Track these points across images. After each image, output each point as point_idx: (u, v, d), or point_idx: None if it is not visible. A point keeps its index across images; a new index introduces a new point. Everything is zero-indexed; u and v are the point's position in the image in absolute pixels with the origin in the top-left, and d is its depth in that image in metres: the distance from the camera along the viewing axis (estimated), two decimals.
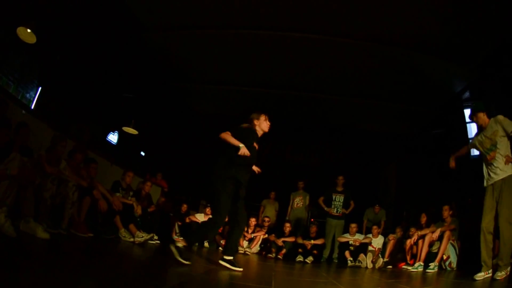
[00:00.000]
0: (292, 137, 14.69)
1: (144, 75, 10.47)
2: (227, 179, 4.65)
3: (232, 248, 4.91)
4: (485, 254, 4.86)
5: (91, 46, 8.70)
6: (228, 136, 4.69)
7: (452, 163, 5.75)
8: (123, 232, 6.44)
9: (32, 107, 8.15)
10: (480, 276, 4.78)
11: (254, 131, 5.03)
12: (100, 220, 6.20)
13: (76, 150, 6.39)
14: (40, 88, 8.32)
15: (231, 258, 4.70)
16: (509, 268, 4.66)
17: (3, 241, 3.52)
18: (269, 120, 5.17)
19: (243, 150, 4.48)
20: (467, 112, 9.78)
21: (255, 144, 4.93)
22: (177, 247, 4.32)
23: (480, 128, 5.31)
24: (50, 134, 6.28)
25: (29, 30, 6.81)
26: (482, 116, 5.21)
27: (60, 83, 8.66)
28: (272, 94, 11.26)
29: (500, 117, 5.03)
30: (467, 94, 9.66)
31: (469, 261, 6.68)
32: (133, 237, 6.44)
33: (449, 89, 9.71)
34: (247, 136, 4.84)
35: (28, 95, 8.14)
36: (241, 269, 4.54)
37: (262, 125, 5.11)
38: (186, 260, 4.21)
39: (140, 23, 8.52)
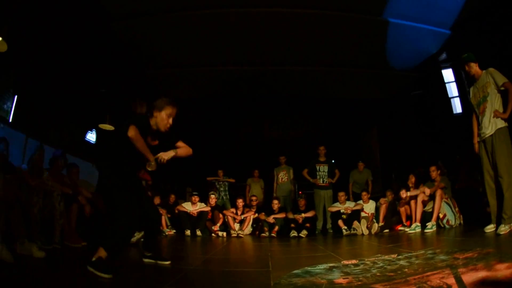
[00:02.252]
0: (269, 113, 14.53)
1: (115, 67, 10.14)
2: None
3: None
4: (494, 206, 4.85)
5: (62, 44, 8.38)
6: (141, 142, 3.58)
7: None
8: None
9: (11, 118, 7.84)
10: (491, 228, 4.79)
11: (147, 120, 3.88)
12: (91, 226, 5.97)
13: (56, 157, 6.15)
14: (16, 96, 7.99)
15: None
16: None
17: (2, 267, 3.43)
18: (173, 119, 3.98)
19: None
20: (445, 72, 9.84)
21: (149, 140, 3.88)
22: (93, 264, 3.15)
23: (473, 79, 5.23)
24: (29, 144, 6.04)
25: (0, 38, 6.42)
26: (475, 66, 5.17)
27: (35, 88, 8.34)
28: (244, 71, 11.08)
29: (491, 69, 5.01)
30: (444, 56, 9.67)
31: (468, 218, 6.70)
32: None
33: (425, 51, 9.66)
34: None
35: (5, 106, 7.81)
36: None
37: (159, 119, 3.89)
38: (106, 273, 3.07)
39: (108, 12, 8.25)
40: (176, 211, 9.19)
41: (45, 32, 7.83)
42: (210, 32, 9.08)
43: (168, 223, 9.19)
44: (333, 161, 9.91)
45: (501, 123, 4.77)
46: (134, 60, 10.29)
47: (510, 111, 4.71)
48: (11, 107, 7.83)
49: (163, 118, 3.86)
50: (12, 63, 7.70)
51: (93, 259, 3.17)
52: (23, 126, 7.55)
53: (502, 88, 4.81)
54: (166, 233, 8.54)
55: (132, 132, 3.44)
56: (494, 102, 4.87)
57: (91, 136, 11.13)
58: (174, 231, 9.05)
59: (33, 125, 8.04)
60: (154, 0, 8.01)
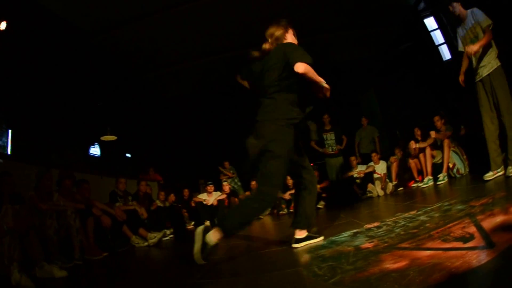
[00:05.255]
0: None
1: (105, 78, 10.23)
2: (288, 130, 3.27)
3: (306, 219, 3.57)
4: (493, 152, 4.84)
5: (48, 70, 8.50)
6: (312, 71, 3.16)
7: (462, 78, 5.16)
8: (135, 239, 6.33)
9: (9, 152, 7.98)
10: (490, 176, 4.79)
11: None
12: (109, 236, 6.04)
13: (63, 177, 6.16)
14: (10, 130, 8.11)
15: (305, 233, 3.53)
16: None
17: None
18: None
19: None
20: (427, 21, 9.84)
21: None
22: (203, 244, 3.10)
23: (458, 19, 5.16)
24: (34, 171, 6.09)
25: None
26: (458, 6, 5.05)
27: (27, 118, 8.44)
28: (237, 56, 11.07)
29: (475, 9, 4.94)
30: (422, 5, 9.68)
31: (477, 164, 6.75)
32: (146, 240, 6.34)
33: (403, 3, 9.66)
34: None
35: (0, 142, 7.96)
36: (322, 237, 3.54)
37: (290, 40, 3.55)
38: (205, 260, 3.14)
39: (84, 30, 8.36)
40: (193, 204, 9.29)
41: (30, 61, 7.92)
42: (193, 25, 9.14)
43: (186, 218, 9.28)
44: (338, 127, 9.94)
45: (496, 63, 4.75)
46: (123, 68, 10.38)
47: (478, 45, 4.68)
48: (7, 142, 7.97)
49: (294, 38, 3.60)
50: (1, 100, 7.81)
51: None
52: (23, 156, 7.70)
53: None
54: (187, 227, 8.59)
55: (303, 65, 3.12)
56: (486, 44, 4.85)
57: (95, 150, 11.29)
58: (193, 222, 9.15)
59: (34, 153, 8.17)
60: (122, 10, 8.16)
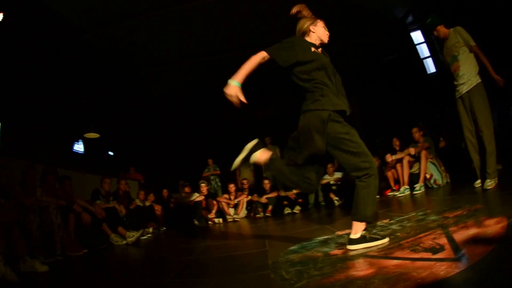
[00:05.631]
0: (248, 96, 14.51)
1: (92, 76, 10.14)
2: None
3: None
4: (477, 161, 4.91)
5: (37, 66, 8.46)
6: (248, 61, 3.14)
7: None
8: (114, 237, 6.33)
9: None
10: (479, 183, 4.87)
11: (305, 40, 3.39)
12: (89, 233, 6.01)
13: (46, 173, 6.16)
14: (0, 124, 8.04)
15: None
16: (496, 177, 4.69)
17: None
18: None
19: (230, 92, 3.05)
20: (414, 35, 9.94)
21: (315, 50, 3.37)
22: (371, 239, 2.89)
23: (443, 40, 5.22)
24: (20, 166, 6.07)
25: None
26: (442, 28, 5.12)
27: (16, 112, 8.37)
28: (226, 58, 11.04)
29: (459, 28, 5.01)
30: (410, 18, 9.74)
31: (455, 175, 6.81)
32: (125, 238, 6.34)
33: (391, 16, 9.71)
34: (301, 45, 3.28)
35: None
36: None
37: (320, 32, 3.43)
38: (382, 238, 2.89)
39: (77, 27, 8.27)
40: (172, 205, 9.24)
41: (19, 56, 7.84)
42: (181, 27, 9.12)
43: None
44: None
45: (476, 80, 4.80)
46: (110, 67, 10.31)
47: (491, 68, 4.75)
48: None
49: (323, 29, 3.47)
50: None
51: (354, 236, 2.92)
52: (11, 151, 7.70)
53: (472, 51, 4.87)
54: (162, 229, 8.54)
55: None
56: (466, 61, 4.89)
57: (79, 147, 11.25)
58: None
59: (21, 148, 8.13)
60: (116, 9, 8.12)
